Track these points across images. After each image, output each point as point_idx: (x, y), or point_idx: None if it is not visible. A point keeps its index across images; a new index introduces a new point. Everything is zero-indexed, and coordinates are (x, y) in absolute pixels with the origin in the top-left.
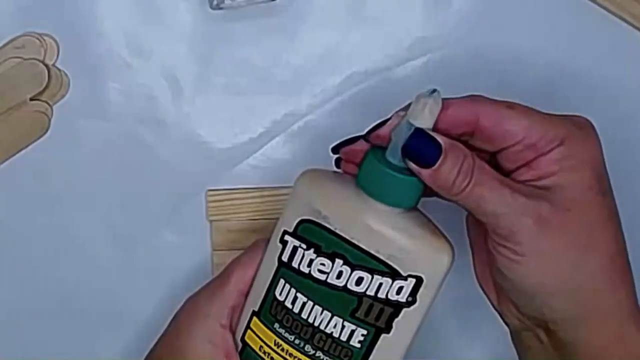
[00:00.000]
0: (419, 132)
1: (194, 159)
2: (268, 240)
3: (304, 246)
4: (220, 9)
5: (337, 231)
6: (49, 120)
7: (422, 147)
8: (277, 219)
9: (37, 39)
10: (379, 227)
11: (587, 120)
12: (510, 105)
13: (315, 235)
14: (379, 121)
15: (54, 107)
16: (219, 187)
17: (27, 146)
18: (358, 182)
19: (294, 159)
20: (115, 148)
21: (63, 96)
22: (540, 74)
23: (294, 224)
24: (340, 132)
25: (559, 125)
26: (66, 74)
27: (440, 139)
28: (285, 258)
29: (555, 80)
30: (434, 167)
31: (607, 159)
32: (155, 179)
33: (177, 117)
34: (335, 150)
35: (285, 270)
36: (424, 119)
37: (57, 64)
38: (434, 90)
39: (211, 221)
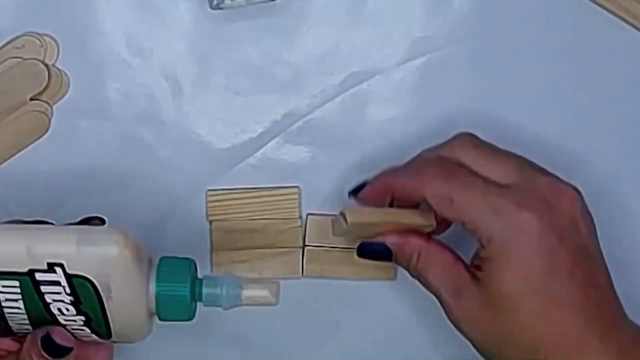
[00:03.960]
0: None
1: (193, 159)
2: None
3: None
4: (220, 9)
5: None
6: (49, 120)
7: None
8: (277, 219)
9: (37, 39)
10: None
11: (534, 215)
12: (451, 199)
13: None
14: (362, 181)
15: (54, 107)
16: (219, 187)
17: (27, 146)
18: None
19: (294, 159)
20: (115, 148)
21: (63, 96)
22: (540, 74)
23: None
24: (340, 132)
25: (487, 226)
26: (66, 74)
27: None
28: None
29: (555, 81)
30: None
31: (610, 160)
32: (155, 179)
33: (177, 117)
34: (353, 194)
35: None
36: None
37: (57, 64)
38: None
39: (211, 221)
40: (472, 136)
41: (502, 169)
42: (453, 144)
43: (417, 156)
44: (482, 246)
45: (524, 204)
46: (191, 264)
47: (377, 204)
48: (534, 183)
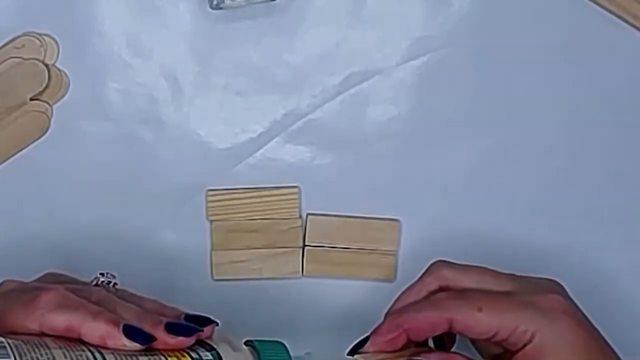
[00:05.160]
0: None
1: (193, 159)
2: None
3: None
4: (220, 9)
5: None
6: (49, 120)
7: None
8: (277, 219)
9: (37, 39)
10: None
11: (557, 295)
12: (480, 308)
13: None
14: (361, 338)
15: (54, 107)
16: (219, 187)
17: (27, 146)
18: None
19: (294, 159)
20: (115, 148)
21: (63, 96)
22: (540, 74)
23: None
24: (340, 132)
25: (528, 319)
26: (66, 74)
27: None
28: None
29: (555, 81)
30: None
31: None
32: (155, 179)
33: (177, 117)
34: (351, 353)
35: None
36: None
37: (57, 64)
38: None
39: (211, 221)
40: (444, 261)
41: (493, 279)
42: (431, 274)
43: (398, 300)
44: (523, 346)
45: (541, 291)
46: (285, 348)
47: (392, 347)
48: (528, 280)
